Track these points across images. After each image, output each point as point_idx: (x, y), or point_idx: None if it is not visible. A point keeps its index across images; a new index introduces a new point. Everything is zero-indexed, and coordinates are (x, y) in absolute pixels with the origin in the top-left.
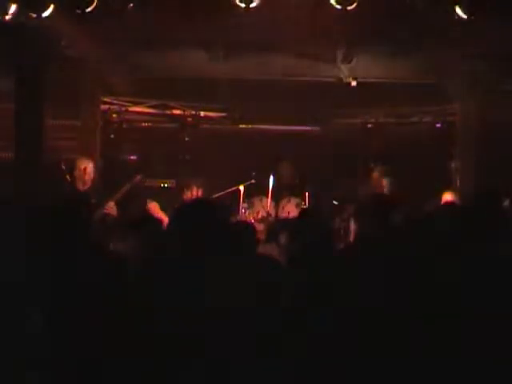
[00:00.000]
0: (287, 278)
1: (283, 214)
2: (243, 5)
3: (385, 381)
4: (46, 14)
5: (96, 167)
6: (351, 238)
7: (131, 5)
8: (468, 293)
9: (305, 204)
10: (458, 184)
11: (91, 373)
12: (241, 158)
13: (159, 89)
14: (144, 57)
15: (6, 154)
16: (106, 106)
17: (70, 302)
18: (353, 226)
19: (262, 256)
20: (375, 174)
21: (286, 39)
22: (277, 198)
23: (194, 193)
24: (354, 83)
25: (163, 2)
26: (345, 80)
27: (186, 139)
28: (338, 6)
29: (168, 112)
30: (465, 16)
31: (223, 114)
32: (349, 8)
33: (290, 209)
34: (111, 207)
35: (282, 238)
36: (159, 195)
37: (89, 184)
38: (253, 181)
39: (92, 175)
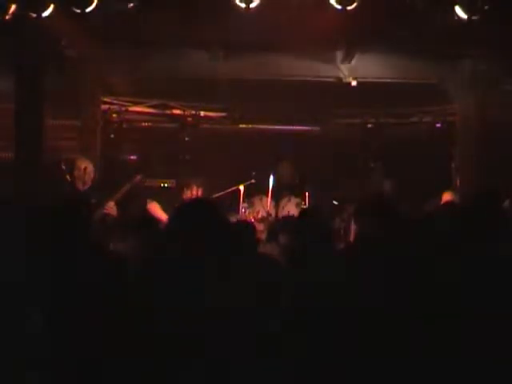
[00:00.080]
0: (287, 278)
1: (283, 214)
2: (243, 5)
3: (385, 381)
4: (46, 13)
5: (96, 167)
6: (351, 238)
7: (131, 5)
8: (468, 293)
9: (305, 204)
10: (458, 184)
11: (91, 373)
12: (241, 158)
13: (159, 89)
14: (144, 57)
15: (5, 154)
16: (106, 106)
17: (70, 302)
18: (353, 226)
19: (262, 256)
20: (375, 175)
21: (286, 39)
22: (277, 198)
23: (194, 193)
24: (354, 83)
25: (163, 2)
26: (345, 80)
27: (186, 139)
28: (338, 6)
29: (168, 112)
30: (465, 16)
31: (223, 114)
32: (349, 8)
33: (290, 209)
34: (111, 207)
35: (282, 238)
36: (159, 195)
37: (89, 184)
38: (253, 181)
39: (92, 175)
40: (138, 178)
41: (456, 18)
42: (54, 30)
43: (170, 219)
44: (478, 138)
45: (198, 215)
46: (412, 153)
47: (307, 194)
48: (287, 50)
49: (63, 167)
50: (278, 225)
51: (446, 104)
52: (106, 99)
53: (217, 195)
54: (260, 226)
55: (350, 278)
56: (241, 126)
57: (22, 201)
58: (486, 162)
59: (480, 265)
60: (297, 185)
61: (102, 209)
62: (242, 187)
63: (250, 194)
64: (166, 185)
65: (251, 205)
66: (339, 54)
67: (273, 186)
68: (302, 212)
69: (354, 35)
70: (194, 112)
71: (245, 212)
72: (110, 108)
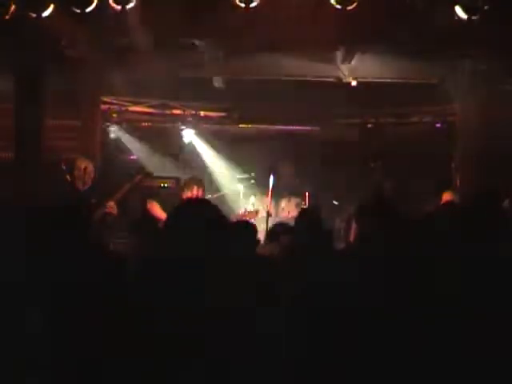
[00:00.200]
0: (287, 278)
1: (283, 214)
2: (243, 5)
3: (385, 381)
4: (46, 13)
5: (96, 167)
6: (351, 238)
7: (131, 5)
8: (468, 293)
9: (305, 204)
10: (458, 184)
11: (91, 373)
12: (241, 157)
13: (159, 89)
14: (144, 57)
15: (5, 154)
16: (106, 106)
17: (69, 302)
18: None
19: (262, 256)
20: (375, 175)
21: (286, 39)
22: (277, 198)
23: (195, 193)
24: (354, 83)
25: (163, 2)
26: (345, 80)
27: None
28: (338, 6)
29: (168, 112)
30: (465, 16)
31: (223, 114)
32: (349, 8)
33: (290, 209)
34: (111, 207)
35: (284, 239)
36: (159, 195)
37: (89, 184)
38: (253, 181)
39: (92, 175)
40: (138, 177)
41: (456, 18)
42: (54, 30)
43: (169, 219)
44: (478, 138)
45: (198, 215)
46: (412, 153)
47: (307, 194)
48: (287, 50)
49: (63, 167)
50: (280, 226)
51: (445, 104)
52: (105, 99)
53: (217, 195)
54: (260, 226)
55: (350, 278)
56: (241, 125)
57: (21, 201)
58: (485, 162)
59: (480, 265)
60: (297, 185)
61: (102, 209)
62: (242, 187)
63: (250, 194)
64: (165, 185)
65: (251, 205)
66: (339, 54)
67: (273, 186)
68: (302, 212)
69: (354, 35)
70: (193, 112)
71: (245, 212)
72: (109, 108)
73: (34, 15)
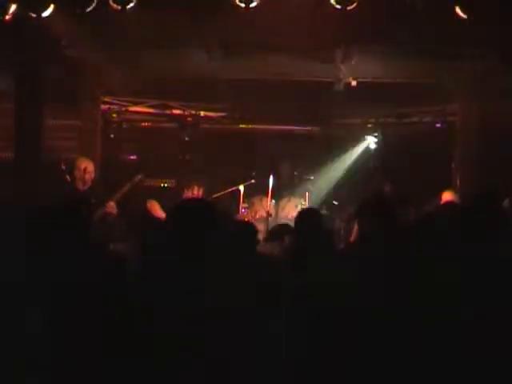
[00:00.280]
0: (287, 278)
1: (283, 214)
2: (243, 5)
3: (384, 381)
4: (45, 13)
5: (96, 167)
6: (352, 238)
7: (131, 5)
8: (468, 293)
9: (305, 204)
10: (458, 184)
11: (91, 373)
12: (241, 157)
13: (159, 89)
14: (144, 57)
15: (5, 154)
16: (106, 106)
17: (69, 302)
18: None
19: (262, 256)
20: (375, 175)
21: (286, 39)
22: (277, 198)
23: (195, 193)
24: (354, 83)
25: (163, 2)
26: (345, 80)
27: (186, 139)
28: (338, 6)
29: (168, 112)
30: (465, 16)
31: (223, 114)
32: (349, 8)
33: (290, 209)
34: (111, 207)
35: (287, 239)
36: (159, 195)
37: (89, 184)
38: (253, 181)
39: (92, 175)
40: (138, 177)
41: (456, 18)
42: (54, 30)
43: (169, 219)
44: (478, 138)
45: (197, 215)
46: (412, 153)
47: (307, 194)
48: (287, 49)
49: (63, 167)
50: (283, 226)
51: (445, 104)
52: (106, 99)
53: (217, 195)
54: (260, 227)
55: (350, 278)
56: (241, 126)
57: (21, 201)
58: (486, 162)
59: (480, 265)
60: (297, 185)
61: (102, 209)
62: (241, 187)
63: (249, 195)
64: (166, 185)
65: (251, 205)
66: (339, 54)
67: (273, 186)
68: (302, 212)
69: (354, 35)
70: (193, 112)
71: (245, 212)
72: (109, 108)
73: (34, 15)
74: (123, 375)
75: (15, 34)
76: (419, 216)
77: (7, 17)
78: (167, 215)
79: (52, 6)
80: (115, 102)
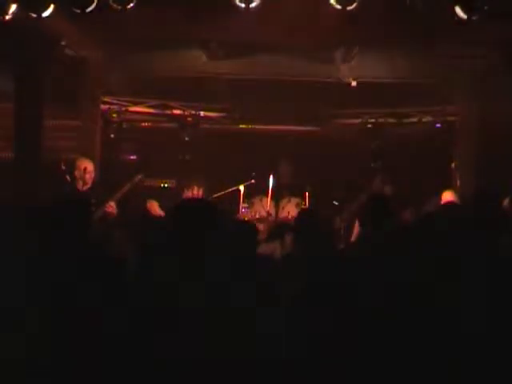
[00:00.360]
0: (287, 278)
1: (283, 214)
2: (243, 5)
3: (384, 381)
4: (46, 13)
5: (96, 167)
6: (352, 238)
7: (131, 5)
8: (468, 293)
9: (305, 204)
10: (458, 184)
11: (91, 373)
12: (241, 158)
13: (159, 89)
14: (144, 57)
15: (5, 154)
16: (106, 106)
17: (69, 302)
18: (356, 226)
19: (262, 256)
20: (375, 175)
21: (286, 39)
22: (277, 198)
23: (195, 193)
24: (354, 83)
25: (163, 1)
26: (345, 80)
27: (186, 139)
28: (338, 6)
29: (168, 112)
30: (465, 16)
31: (223, 114)
32: (349, 8)
33: (290, 209)
34: (111, 207)
35: (288, 239)
36: (159, 195)
37: (89, 184)
38: (253, 181)
39: (92, 175)
40: (138, 177)
41: (456, 17)
42: (54, 30)
43: (169, 219)
44: (478, 138)
45: (197, 215)
46: (412, 153)
47: (307, 194)
48: (287, 49)
49: (63, 167)
50: (283, 226)
51: (445, 104)
52: (106, 99)
53: (217, 195)
54: (260, 227)
55: (350, 278)
56: (241, 126)
57: (21, 201)
58: (486, 162)
59: (480, 265)
60: (297, 185)
61: (102, 209)
62: (241, 187)
63: (249, 195)
64: (166, 185)
65: (251, 205)
66: (339, 54)
67: (273, 186)
68: (302, 212)
69: (354, 35)
70: (193, 112)
71: (245, 212)
72: (110, 108)
73: (34, 15)
74: (123, 375)
75: (15, 33)
76: (419, 216)
77: (7, 17)
78: (167, 215)
79: (52, 6)
80: (115, 102)
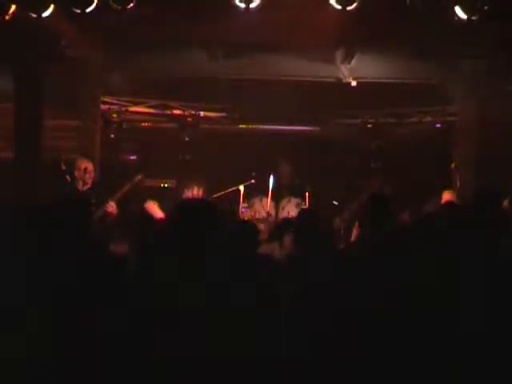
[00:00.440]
0: (287, 278)
1: (283, 214)
2: (243, 5)
3: (384, 381)
4: (46, 13)
5: (96, 167)
6: (352, 237)
7: (131, 5)
8: (468, 293)
9: (305, 204)
10: (458, 184)
11: (91, 373)
12: (241, 158)
13: (159, 89)
14: (144, 57)
15: (6, 153)
16: (106, 106)
17: (69, 302)
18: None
19: (262, 256)
20: (375, 176)
21: (286, 39)
22: (277, 198)
23: (195, 193)
24: (354, 83)
25: (163, 1)
26: (345, 80)
27: (186, 139)
28: (338, 6)
29: (168, 112)
30: (465, 16)
31: (223, 114)
32: (349, 8)
33: (290, 209)
34: (111, 207)
35: (287, 239)
36: (159, 195)
37: (89, 184)
38: (253, 181)
39: (92, 175)
40: (138, 177)
41: (456, 18)
42: (54, 29)
43: (170, 219)
44: (478, 138)
45: (198, 215)
46: (412, 153)
47: (307, 194)
48: (287, 49)
49: (63, 167)
50: (283, 225)
51: (446, 104)
52: (106, 99)
53: (217, 195)
54: (260, 227)
55: (350, 278)
56: (241, 126)
57: (21, 201)
58: (486, 162)
59: (480, 265)
60: (297, 185)
61: (102, 209)
62: (241, 187)
63: (249, 195)
64: (166, 185)
65: (251, 205)
66: (339, 54)
67: (273, 187)
68: (302, 212)
69: (354, 35)
70: (193, 112)
71: (245, 212)
72: (110, 108)
73: (34, 15)
74: (123, 375)
75: (15, 33)
76: (419, 216)
77: (7, 17)
78: (169, 215)
79: (52, 6)
80: (115, 102)
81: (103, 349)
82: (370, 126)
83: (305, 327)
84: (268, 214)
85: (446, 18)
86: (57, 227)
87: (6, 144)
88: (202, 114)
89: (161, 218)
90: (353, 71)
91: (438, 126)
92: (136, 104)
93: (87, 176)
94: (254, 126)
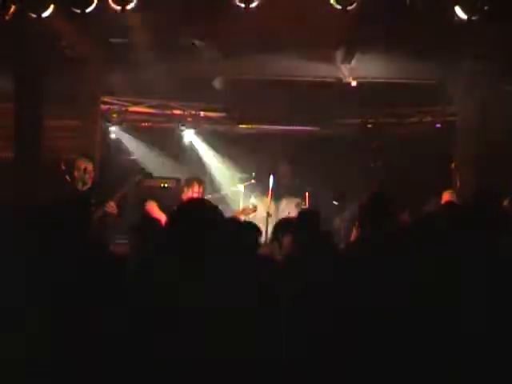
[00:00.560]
0: (287, 278)
1: (283, 214)
2: (243, 5)
3: (384, 381)
4: (45, 13)
5: (96, 167)
6: (352, 237)
7: (131, 5)
8: (468, 293)
9: (305, 204)
10: (458, 184)
11: (91, 373)
12: (241, 158)
13: (159, 89)
14: (144, 57)
15: (6, 154)
16: (106, 106)
17: (69, 302)
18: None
19: (262, 256)
20: (375, 176)
21: (286, 39)
22: (277, 198)
23: (195, 192)
24: (354, 83)
25: (163, 2)
26: (345, 80)
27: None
28: (338, 6)
29: (168, 112)
30: (465, 16)
31: (223, 114)
32: (349, 8)
33: (290, 209)
34: (111, 207)
35: (286, 239)
36: (159, 195)
37: (89, 184)
38: (253, 181)
39: (92, 175)
40: (138, 178)
41: (456, 18)
42: (54, 29)
43: (170, 219)
44: (478, 139)
45: (198, 215)
46: (412, 153)
47: (307, 194)
48: (287, 50)
49: (63, 167)
50: (281, 225)
51: (446, 104)
52: (106, 99)
53: (216, 195)
54: (260, 227)
55: (350, 278)
56: (241, 126)
57: (21, 201)
58: (485, 162)
59: (480, 265)
60: (297, 185)
61: (101, 209)
62: (242, 187)
63: (250, 195)
64: (166, 185)
65: (251, 205)
66: (339, 54)
67: (273, 187)
68: (302, 212)
69: (354, 35)
70: (193, 112)
71: (243, 208)
72: (110, 108)
73: (34, 15)
74: (123, 375)
75: (15, 33)
76: (419, 216)
77: (7, 17)
78: (170, 215)
79: (52, 6)
80: (115, 102)
81: (103, 349)
82: (369, 125)
83: (305, 327)
84: (268, 214)
85: (445, 18)
86: (57, 227)
87: (5, 144)
88: (201, 114)
89: (161, 218)
90: (353, 71)
91: (438, 125)
92: (136, 104)
93: (87, 176)
94: (253, 126)
